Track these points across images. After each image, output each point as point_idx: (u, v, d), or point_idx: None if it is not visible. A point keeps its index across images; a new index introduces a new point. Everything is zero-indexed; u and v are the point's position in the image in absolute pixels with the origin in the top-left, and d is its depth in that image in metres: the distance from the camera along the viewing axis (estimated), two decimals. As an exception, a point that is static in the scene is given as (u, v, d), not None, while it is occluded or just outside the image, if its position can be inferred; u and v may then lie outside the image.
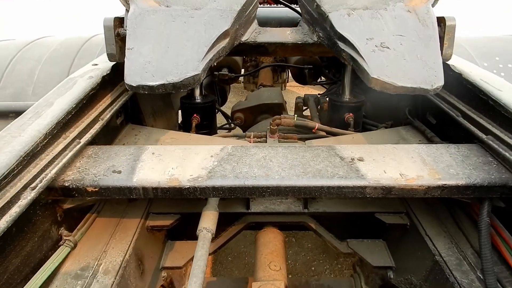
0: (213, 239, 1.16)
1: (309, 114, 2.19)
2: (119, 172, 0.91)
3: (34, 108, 0.92)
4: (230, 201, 1.31)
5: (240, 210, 1.33)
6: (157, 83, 0.94)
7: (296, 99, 2.42)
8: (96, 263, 1.02)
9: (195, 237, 1.34)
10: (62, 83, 1.04)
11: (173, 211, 1.31)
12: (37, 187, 0.77)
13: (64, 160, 0.88)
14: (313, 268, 2.22)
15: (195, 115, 1.69)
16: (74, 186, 0.88)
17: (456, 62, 1.18)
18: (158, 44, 1.00)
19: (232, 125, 2.39)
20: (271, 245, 1.33)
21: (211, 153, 0.99)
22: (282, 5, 1.81)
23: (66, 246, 0.97)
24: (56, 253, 0.94)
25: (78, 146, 0.94)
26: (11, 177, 0.72)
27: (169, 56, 0.98)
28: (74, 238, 1.00)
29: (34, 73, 1.58)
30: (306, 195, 0.91)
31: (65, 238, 0.98)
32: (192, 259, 1.36)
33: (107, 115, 1.11)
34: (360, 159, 0.96)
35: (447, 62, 1.19)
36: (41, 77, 1.57)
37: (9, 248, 0.77)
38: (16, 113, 1.47)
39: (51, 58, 1.63)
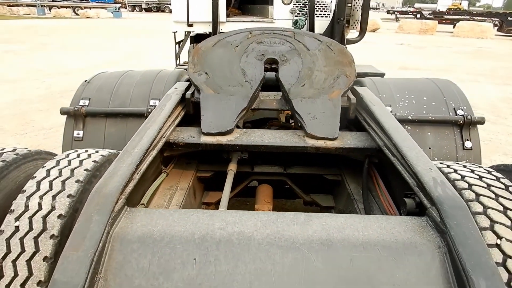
0: (233, 190, 2.10)
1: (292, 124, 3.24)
2: (193, 137, 1.94)
3: (159, 106, 1.96)
4: (242, 164, 2.32)
5: (248, 170, 2.35)
6: (215, 131, 1.94)
7: (286, 115, 3.49)
8: (176, 185, 2.04)
9: (220, 189, 2.34)
10: (166, 96, 2.10)
11: (210, 169, 2.33)
12: (164, 138, 1.80)
13: (170, 130, 1.92)
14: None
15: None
16: (174, 141, 1.91)
17: (363, 92, 2.23)
18: (215, 113, 2.01)
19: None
20: (265, 192, 2.34)
21: (236, 132, 2.02)
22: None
23: (164, 173, 1.99)
24: (160, 176, 1.96)
25: (173, 126, 1.98)
26: (158, 132, 1.75)
27: (220, 119, 1.99)
28: (167, 171, 2.03)
29: (130, 92, 2.63)
30: (280, 150, 1.92)
31: (163, 170, 2.01)
32: (218, 200, 2.37)
33: (181, 113, 2.16)
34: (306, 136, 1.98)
35: (358, 91, 2.24)
36: (134, 95, 2.62)
37: (149, 166, 1.78)
38: (123, 114, 2.53)
39: (139, 83, 2.69)
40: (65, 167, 1.47)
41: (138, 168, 1.44)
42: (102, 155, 1.64)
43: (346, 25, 4.99)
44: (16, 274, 1.18)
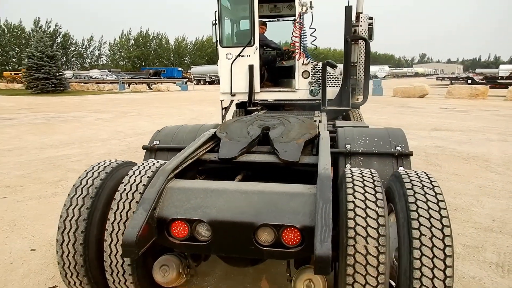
0: None
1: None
2: (215, 157, 3.34)
3: (197, 139, 3.43)
4: (245, 178, 3.62)
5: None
6: (227, 157, 3.28)
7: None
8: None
9: None
10: (201, 135, 3.59)
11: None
12: (197, 156, 3.23)
13: (201, 154, 3.34)
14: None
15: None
16: (203, 159, 3.32)
17: (322, 132, 3.52)
18: (227, 149, 3.36)
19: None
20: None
21: (240, 157, 3.38)
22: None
23: (199, 178, 3.39)
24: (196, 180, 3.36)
25: (205, 151, 3.41)
26: (194, 151, 3.18)
27: (230, 151, 3.30)
28: (200, 178, 3.42)
29: (184, 136, 4.20)
30: (267, 165, 3.22)
31: (198, 177, 3.41)
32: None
33: (209, 147, 3.60)
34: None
35: (320, 131, 3.53)
36: (186, 138, 4.17)
37: (189, 170, 3.18)
38: (178, 149, 4.04)
39: (190, 131, 4.24)
40: (146, 166, 2.94)
41: (182, 164, 2.87)
42: (165, 162, 3.11)
43: (353, 92, 6.38)
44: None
